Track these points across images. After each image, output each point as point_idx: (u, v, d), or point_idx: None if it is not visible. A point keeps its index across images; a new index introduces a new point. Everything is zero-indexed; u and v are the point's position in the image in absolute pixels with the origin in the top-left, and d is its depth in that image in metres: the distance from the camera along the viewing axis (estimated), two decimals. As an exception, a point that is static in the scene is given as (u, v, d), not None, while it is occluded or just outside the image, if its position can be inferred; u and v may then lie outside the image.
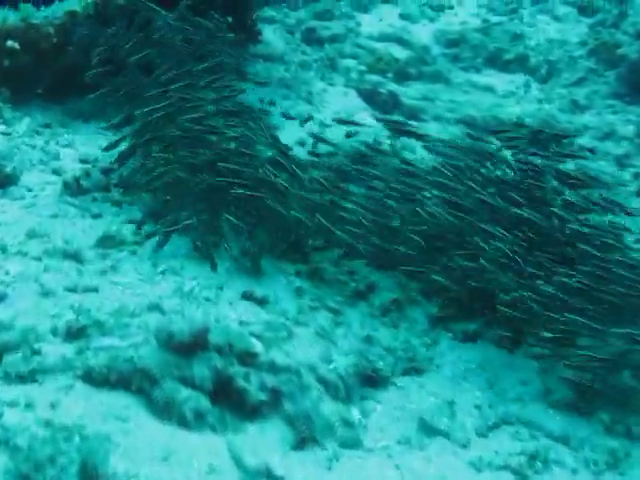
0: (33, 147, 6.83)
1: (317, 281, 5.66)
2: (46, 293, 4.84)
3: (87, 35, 7.26)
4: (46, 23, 7.22)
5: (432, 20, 12.56)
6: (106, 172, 6.43)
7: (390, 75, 10.20)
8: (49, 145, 6.93)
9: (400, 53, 11.09)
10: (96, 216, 6.00)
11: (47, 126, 7.27)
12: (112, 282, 5.11)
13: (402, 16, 12.40)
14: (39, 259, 5.22)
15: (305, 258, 5.79)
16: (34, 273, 5.01)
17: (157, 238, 5.51)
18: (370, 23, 12.10)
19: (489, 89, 10.31)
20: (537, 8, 12.69)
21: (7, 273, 4.98)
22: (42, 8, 7.49)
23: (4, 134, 6.94)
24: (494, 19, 12.56)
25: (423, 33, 11.96)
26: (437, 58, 11.09)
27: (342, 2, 12.50)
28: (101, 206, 6.15)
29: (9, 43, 7.11)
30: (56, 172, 6.52)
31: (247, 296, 5.24)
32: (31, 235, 5.59)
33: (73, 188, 6.22)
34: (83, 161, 6.74)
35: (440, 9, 12.93)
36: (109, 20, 7.29)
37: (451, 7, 13.19)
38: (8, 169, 6.13)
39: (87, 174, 6.30)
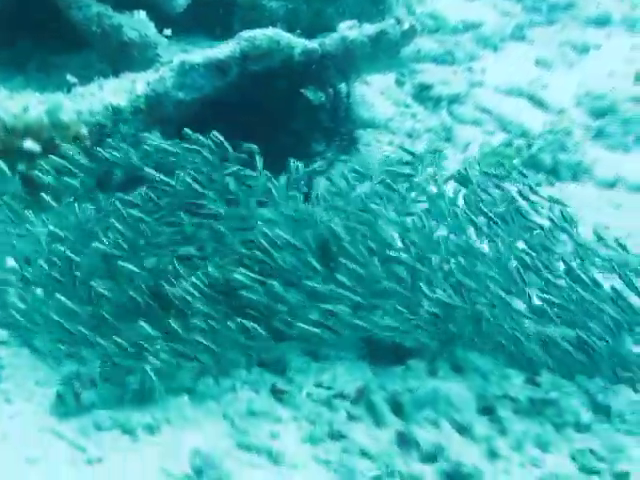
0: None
1: None
2: None
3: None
4: (78, 120, 5.31)
5: (573, 66, 10.25)
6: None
7: (517, 161, 8.03)
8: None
9: (532, 121, 8.89)
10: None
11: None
12: None
13: (538, 61, 10.10)
14: None
15: None
16: None
17: None
18: (498, 69, 9.89)
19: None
20: None
21: None
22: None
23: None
24: (651, 70, 10.17)
25: (562, 87, 9.69)
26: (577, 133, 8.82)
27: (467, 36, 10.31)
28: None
29: (27, 144, 5.24)
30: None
31: None
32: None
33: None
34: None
35: (585, 50, 10.58)
36: (166, 120, 5.41)
37: (598, 46, 10.81)
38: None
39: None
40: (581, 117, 9.07)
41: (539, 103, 9.20)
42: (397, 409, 4.74)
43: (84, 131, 5.38)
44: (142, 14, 6.71)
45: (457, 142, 8.25)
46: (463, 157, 7.93)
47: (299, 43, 5.66)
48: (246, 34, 5.56)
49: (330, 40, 5.89)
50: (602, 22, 11.35)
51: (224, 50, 5.49)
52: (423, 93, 8.60)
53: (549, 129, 8.37)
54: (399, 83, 8.82)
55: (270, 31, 5.61)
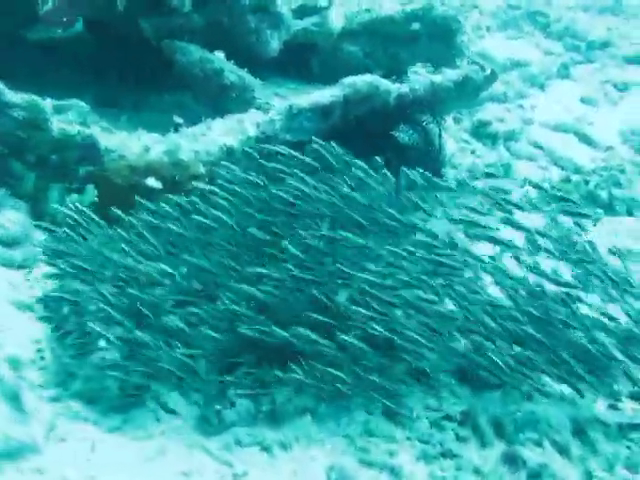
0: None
1: None
2: None
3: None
4: (195, 160, 5.73)
5: (616, 103, 10.73)
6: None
7: (576, 196, 8.46)
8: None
9: (581, 157, 9.35)
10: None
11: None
12: None
13: (583, 99, 10.58)
14: None
15: None
16: None
17: None
18: (545, 107, 10.37)
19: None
20: None
21: None
22: (187, 128, 6.01)
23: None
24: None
25: (607, 124, 10.16)
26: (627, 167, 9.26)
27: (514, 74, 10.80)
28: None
29: (149, 181, 5.67)
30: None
31: None
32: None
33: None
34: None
35: (625, 88, 11.06)
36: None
37: (638, 84, 11.30)
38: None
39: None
40: (629, 154, 9.50)
41: (586, 140, 9.64)
42: (499, 430, 5.12)
43: (202, 170, 5.78)
44: (221, 55, 7.13)
45: (516, 177, 8.68)
46: (522, 191, 8.34)
47: (394, 88, 6.09)
48: (347, 80, 6.00)
49: (420, 84, 6.32)
50: (639, 60, 11.82)
51: (328, 95, 5.92)
52: (480, 130, 9.04)
53: (603, 166, 8.81)
54: (457, 120, 9.28)
55: (369, 77, 6.05)
